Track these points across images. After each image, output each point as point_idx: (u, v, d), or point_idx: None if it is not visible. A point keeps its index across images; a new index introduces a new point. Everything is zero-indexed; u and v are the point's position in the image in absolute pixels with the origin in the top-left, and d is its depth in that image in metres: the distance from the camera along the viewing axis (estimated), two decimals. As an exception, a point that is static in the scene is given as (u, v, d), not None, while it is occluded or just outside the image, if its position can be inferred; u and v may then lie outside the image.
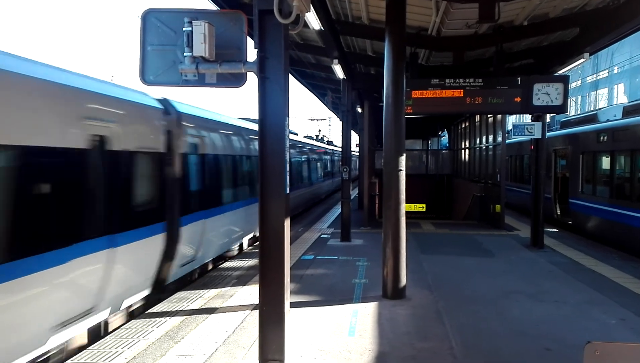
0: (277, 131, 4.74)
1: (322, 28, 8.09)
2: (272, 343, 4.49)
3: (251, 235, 11.88)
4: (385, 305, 6.72)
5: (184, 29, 5.17)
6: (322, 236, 12.59)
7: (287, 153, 4.82)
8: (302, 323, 5.99)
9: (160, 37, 5.60)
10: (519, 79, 10.08)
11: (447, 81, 10.31)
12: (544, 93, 10.04)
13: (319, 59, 14.64)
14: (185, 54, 5.26)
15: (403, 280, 7.02)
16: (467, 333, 5.71)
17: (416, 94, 10.36)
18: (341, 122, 13.75)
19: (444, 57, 12.58)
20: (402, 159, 7.26)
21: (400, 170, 7.20)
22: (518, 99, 9.95)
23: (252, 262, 9.63)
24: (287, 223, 4.71)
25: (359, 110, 18.81)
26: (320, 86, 19.29)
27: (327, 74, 15.98)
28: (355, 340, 5.46)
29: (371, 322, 6.04)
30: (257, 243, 11.97)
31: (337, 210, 18.67)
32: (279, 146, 4.72)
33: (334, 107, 24.98)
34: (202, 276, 8.84)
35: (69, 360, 4.99)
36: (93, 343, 5.51)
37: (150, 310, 6.74)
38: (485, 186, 15.28)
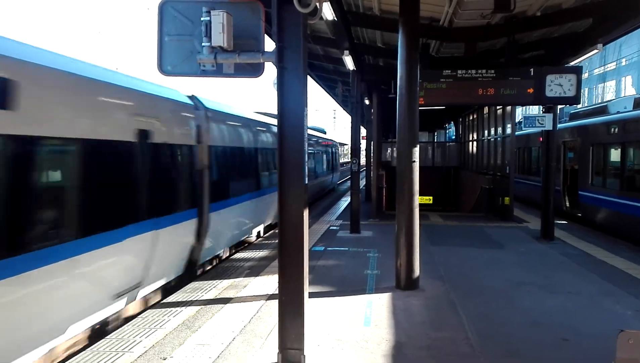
0: (295, 121, 4.73)
1: (335, 19, 8.05)
2: (292, 333, 4.51)
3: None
4: (399, 295, 6.74)
5: (202, 18, 5.15)
6: (331, 227, 12.61)
7: (306, 143, 4.82)
8: (317, 313, 6.01)
9: (178, 27, 5.59)
10: (531, 70, 10.02)
11: (459, 72, 10.26)
12: (557, 84, 9.98)
13: (327, 51, 14.58)
14: (203, 44, 5.25)
15: (416, 271, 7.04)
16: (482, 323, 5.73)
17: (428, 85, 10.32)
18: (350, 114, 13.72)
19: (454, 48, 12.50)
20: (416, 151, 7.25)
21: (414, 161, 7.20)
22: (531, 90, 9.89)
23: (263, 253, 9.67)
24: (306, 213, 4.71)
25: (367, 102, 18.76)
26: (327, 78, 19.23)
27: (335, 66, 15.91)
28: (371, 330, 5.48)
29: (386, 312, 6.06)
30: (268, 234, 12.09)
31: (344, 203, 18.70)
32: (297, 136, 4.71)
33: (340, 100, 24.91)
34: (215, 267, 8.88)
35: (89, 348, 5.04)
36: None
37: (165, 300, 6.79)
38: (493, 179, 15.25)
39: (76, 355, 4.94)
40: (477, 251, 9.84)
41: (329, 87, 22.01)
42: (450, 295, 6.84)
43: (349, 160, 14.01)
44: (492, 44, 12.06)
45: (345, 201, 18.97)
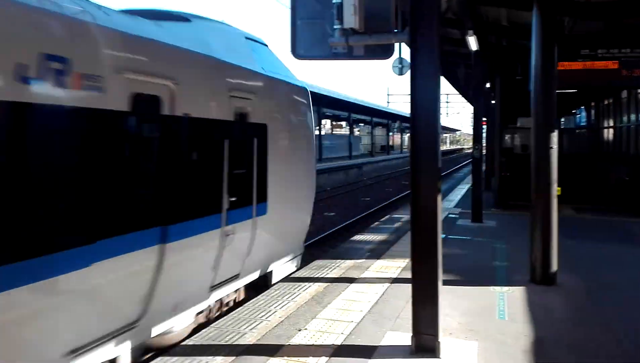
0: (428, 104, 4.57)
1: (464, -4, 7.70)
2: (425, 318, 4.41)
3: None
4: (534, 290, 6.31)
5: (333, 0, 5.17)
6: (449, 215, 12.23)
7: (439, 127, 4.65)
8: (444, 302, 5.83)
9: (309, 10, 5.69)
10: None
11: (600, 51, 9.36)
12: None
13: (446, 32, 14.01)
14: (335, 27, 5.26)
15: (554, 265, 6.54)
16: (632, 325, 5.17)
17: (562, 65, 9.48)
18: (471, 100, 13.12)
19: (589, 25, 11.32)
20: (554, 136, 6.76)
21: (552, 148, 6.72)
22: (686, 70, 8.70)
23: (381, 237, 9.67)
24: (439, 198, 4.57)
25: (487, 85, 17.82)
26: (444, 60, 18.52)
27: (453, 48, 15.24)
28: (506, 323, 5.21)
29: (521, 306, 5.71)
30: (384, 218, 12.08)
31: (461, 190, 18.08)
32: (431, 119, 4.56)
33: (462, 83, 23.86)
34: (335, 247, 9.11)
35: (230, 314, 5.41)
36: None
37: (293, 275, 7.09)
38: (633, 169, 13.68)
39: (218, 319, 5.34)
40: (618, 247, 8.94)
41: (446, 70, 21.22)
42: (591, 292, 6.28)
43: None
44: (636, 19, 10.71)
45: (461, 189, 18.30)
